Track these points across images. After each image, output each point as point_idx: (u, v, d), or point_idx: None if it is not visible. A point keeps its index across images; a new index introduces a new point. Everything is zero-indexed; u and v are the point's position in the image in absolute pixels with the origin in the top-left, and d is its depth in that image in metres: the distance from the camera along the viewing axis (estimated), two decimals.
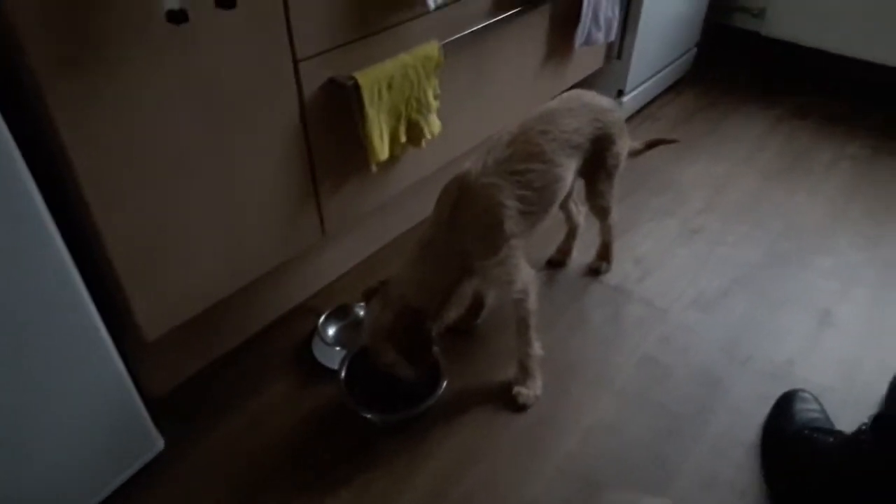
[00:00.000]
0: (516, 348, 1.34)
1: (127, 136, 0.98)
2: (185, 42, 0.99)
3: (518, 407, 1.34)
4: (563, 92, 1.48)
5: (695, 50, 2.64)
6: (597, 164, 1.42)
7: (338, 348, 1.41)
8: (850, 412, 1.32)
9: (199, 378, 1.41)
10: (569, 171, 1.33)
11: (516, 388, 1.34)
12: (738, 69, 2.77)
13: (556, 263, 1.73)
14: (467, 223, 1.18)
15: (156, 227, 1.08)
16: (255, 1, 1.06)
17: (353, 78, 1.22)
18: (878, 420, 1.03)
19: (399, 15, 1.31)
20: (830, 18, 2.43)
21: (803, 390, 1.32)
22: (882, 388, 1.36)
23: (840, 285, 1.65)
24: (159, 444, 1.23)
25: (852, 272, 1.69)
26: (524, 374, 1.35)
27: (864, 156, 2.18)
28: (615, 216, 1.59)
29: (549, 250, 1.74)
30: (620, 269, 1.71)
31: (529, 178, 1.22)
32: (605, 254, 1.69)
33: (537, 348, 1.34)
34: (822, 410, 1.26)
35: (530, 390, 1.34)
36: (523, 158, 1.22)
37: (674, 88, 2.60)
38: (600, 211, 1.54)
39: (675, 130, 2.32)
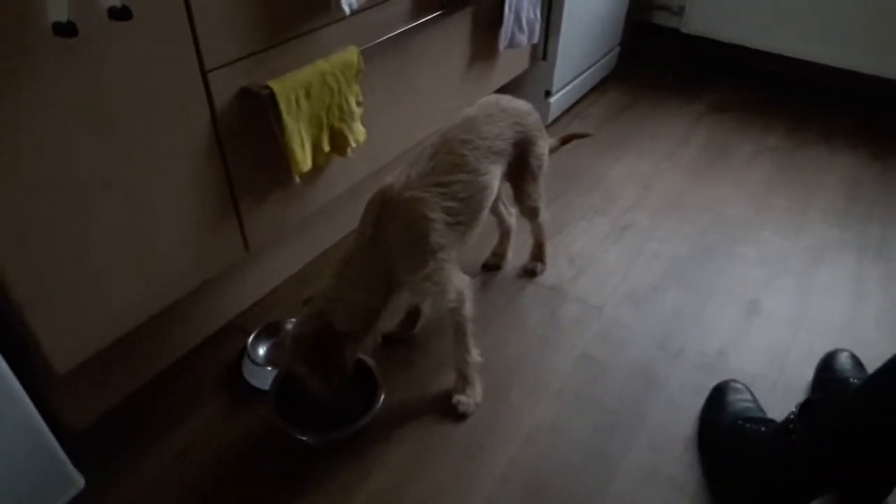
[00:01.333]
0: (454, 356, 1.32)
1: (18, 160, 0.91)
2: (78, 57, 0.92)
3: (458, 416, 1.32)
4: (492, 94, 1.48)
5: (618, 49, 2.69)
6: (521, 166, 1.43)
7: (269, 368, 1.36)
8: (780, 399, 1.35)
9: (122, 408, 1.33)
10: (494, 179, 1.32)
11: (456, 397, 1.32)
12: (660, 66, 2.83)
13: (491, 267, 1.72)
14: (392, 238, 1.15)
15: (59, 256, 1.01)
16: (156, 11, 1.00)
17: (267, 87, 1.18)
18: (804, 407, 1.06)
19: (314, 21, 1.27)
20: (745, 14, 2.51)
21: (735, 380, 1.34)
22: (810, 374, 1.40)
23: (766, 275, 1.70)
24: (79, 482, 1.15)
25: (777, 261, 1.75)
26: (463, 381, 1.33)
27: (782, 147, 2.26)
28: (546, 216, 1.59)
29: (484, 254, 1.73)
30: (555, 269, 1.72)
31: (455, 189, 1.21)
32: (538, 254, 1.69)
33: (476, 355, 1.32)
34: (754, 399, 1.29)
35: (470, 398, 1.32)
36: (447, 170, 1.21)
37: (600, 87, 2.64)
38: (530, 212, 1.55)
39: (603, 129, 2.35)
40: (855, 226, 1.88)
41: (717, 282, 1.68)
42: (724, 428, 1.22)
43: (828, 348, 1.45)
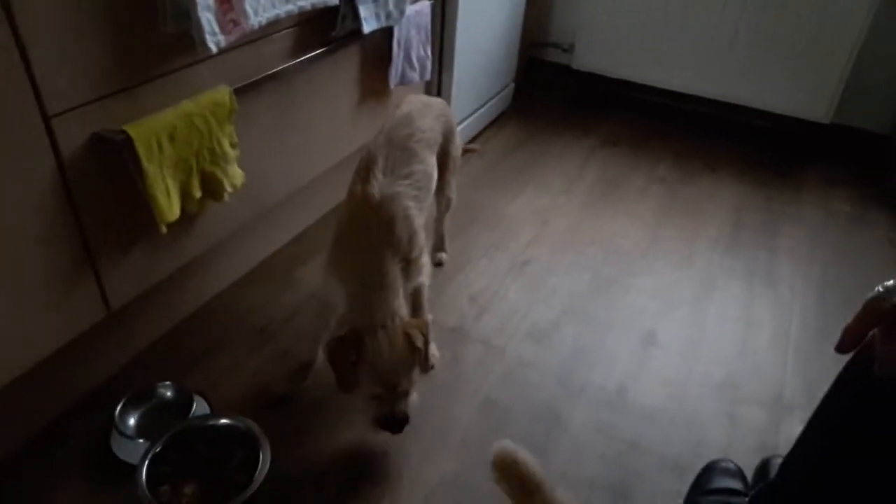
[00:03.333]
0: (414, 314, 1.42)
1: None
2: None
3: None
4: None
5: (513, 85, 2.72)
6: (445, 155, 1.55)
7: (140, 440, 1.22)
8: (681, 433, 1.34)
9: None
10: (434, 168, 1.44)
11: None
12: (554, 101, 2.89)
13: None
14: (386, 234, 1.23)
15: None
16: None
17: (123, 131, 1.07)
18: None
19: (177, 60, 1.18)
20: (628, 51, 2.60)
21: (726, 460, 1.24)
22: (708, 406, 1.41)
23: (661, 305, 1.71)
24: None
25: (671, 291, 1.77)
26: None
27: (671, 178, 2.33)
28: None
29: None
30: (457, 309, 1.67)
31: (416, 178, 1.32)
32: (442, 244, 1.81)
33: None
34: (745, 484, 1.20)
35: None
36: (405, 161, 1.31)
37: (497, 122, 2.65)
38: (447, 202, 1.69)
39: (501, 163, 2.35)
40: (743, 253, 1.94)
41: (616, 314, 1.67)
42: None
43: (723, 377, 1.46)
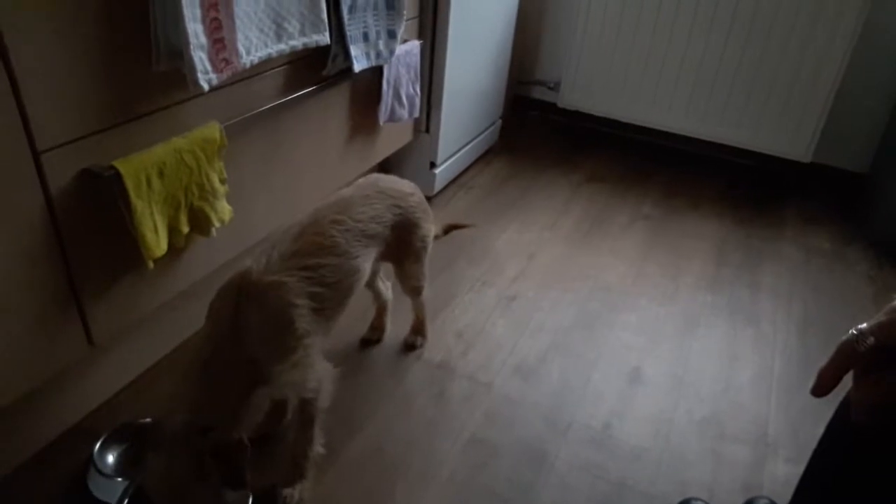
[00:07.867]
0: (293, 445, 1.21)
1: None
2: None
3: None
4: (372, 167, 1.44)
5: (500, 122, 2.76)
6: (403, 248, 1.38)
7: (119, 479, 1.20)
8: (666, 470, 1.34)
9: None
10: (367, 262, 1.25)
11: (285, 490, 1.19)
12: (541, 138, 2.93)
13: (370, 342, 1.65)
14: (253, 329, 1.03)
15: None
16: None
17: (112, 167, 1.07)
18: None
19: (168, 97, 1.19)
20: (612, 90, 2.66)
21: (696, 499, 1.26)
22: (693, 444, 1.41)
23: (646, 342, 1.72)
24: None
25: (655, 327, 1.78)
26: (297, 473, 1.21)
27: (655, 214, 2.36)
28: (427, 293, 1.56)
29: (363, 327, 1.65)
30: (443, 345, 1.66)
31: (322, 273, 1.12)
32: (420, 328, 1.65)
33: (318, 447, 1.22)
34: None
35: (297, 492, 1.20)
36: (313, 252, 1.13)
37: (484, 158, 2.69)
38: (412, 291, 1.52)
39: (488, 199, 2.38)
40: (725, 290, 1.96)
41: (601, 351, 1.68)
42: None
43: (708, 414, 1.47)
